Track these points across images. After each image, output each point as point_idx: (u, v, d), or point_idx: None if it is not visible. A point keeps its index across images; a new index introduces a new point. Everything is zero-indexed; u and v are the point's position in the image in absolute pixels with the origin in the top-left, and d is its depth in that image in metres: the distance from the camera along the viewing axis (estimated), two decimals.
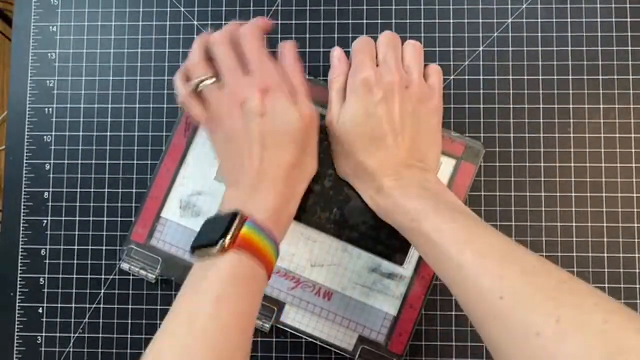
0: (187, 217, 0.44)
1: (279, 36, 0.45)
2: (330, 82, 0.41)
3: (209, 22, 0.46)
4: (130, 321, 0.44)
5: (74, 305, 0.45)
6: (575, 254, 0.43)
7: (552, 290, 0.28)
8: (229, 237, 0.32)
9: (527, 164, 0.44)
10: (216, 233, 0.33)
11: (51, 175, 0.46)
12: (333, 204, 0.42)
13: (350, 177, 0.41)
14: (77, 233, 0.45)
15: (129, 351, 0.44)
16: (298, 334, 0.43)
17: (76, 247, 0.45)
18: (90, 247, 0.45)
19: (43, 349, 0.44)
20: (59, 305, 0.45)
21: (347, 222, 0.42)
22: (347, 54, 0.41)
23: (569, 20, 0.44)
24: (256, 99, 0.36)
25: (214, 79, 0.37)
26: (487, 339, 0.30)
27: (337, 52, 0.41)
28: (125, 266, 0.43)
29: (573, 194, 0.43)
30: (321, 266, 0.43)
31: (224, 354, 0.30)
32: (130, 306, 0.44)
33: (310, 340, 0.43)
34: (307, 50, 0.45)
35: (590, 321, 0.26)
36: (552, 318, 0.27)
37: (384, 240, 0.42)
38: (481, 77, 0.44)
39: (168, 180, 0.44)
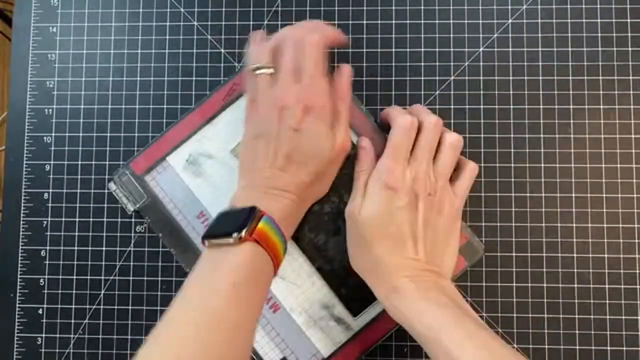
0: (188, 172, 0.44)
1: None
2: (356, 173, 0.41)
3: (209, 23, 0.46)
4: (130, 322, 0.44)
5: (73, 306, 0.45)
6: (575, 255, 0.43)
7: None
8: (246, 228, 0.33)
9: (527, 165, 0.44)
10: (233, 224, 0.34)
11: (51, 176, 0.46)
12: (322, 229, 0.42)
13: (365, 272, 0.40)
14: (76, 234, 0.45)
15: (128, 352, 0.44)
16: None
17: (76, 248, 0.45)
18: (90, 248, 0.45)
19: (43, 350, 0.44)
20: (59, 306, 0.45)
21: (326, 251, 0.42)
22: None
23: (569, 20, 0.44)
24: (297, 113, 0.37)
25: (269, 70, 0.38)
26: None
27: (364, 143, 0.41)
28: (112, 186, 0.44)
29: (573, 195, 0.43)
30: (282, 279, 0.43)
31: (236, 337, 0.31)
32: (130, 307, 0.44)
33: None
34: None
35: None
36: None
37: (351, 286, 0.42)
38: (481, 78, 0.44)
39: (189, 130, 0.44)
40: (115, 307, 0.44)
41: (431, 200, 0.38)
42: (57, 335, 0.44)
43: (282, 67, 0.38)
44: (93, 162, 0.45)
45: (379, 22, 0.45)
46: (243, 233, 0.33)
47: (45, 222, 0.45)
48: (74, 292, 0.45)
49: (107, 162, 0.45)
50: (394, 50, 0.45)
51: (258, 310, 0.34)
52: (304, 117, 0.37)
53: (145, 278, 0.44)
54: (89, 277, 0.45)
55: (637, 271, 0.43)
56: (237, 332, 0.32)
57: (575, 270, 0.43)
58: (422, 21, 0.45)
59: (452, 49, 0.45)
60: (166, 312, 0.32)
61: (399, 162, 0.38)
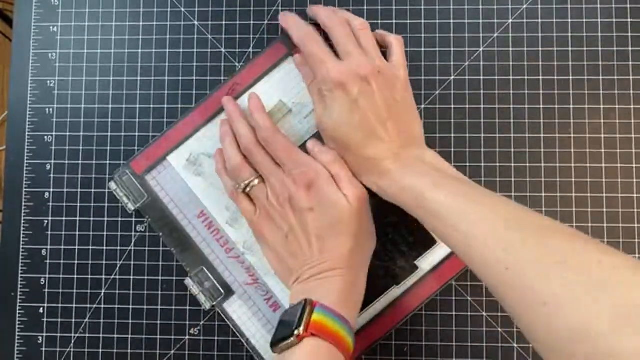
0: (189, 172, 0.44)
1: (280, 36, 0.45)
2: (307, 86, 0.42)
3: (209, 23, 0.46)
4: (130, 321, 0.44)
5: (74, 305, 0.45)
6: None
7: (556, 253, 0.28)
8: (302, 325, 0.33)
9: (527, 164, 0.44)
10: (291, 324, 0.34)
11: (52, 176, 0.46)
12: None
13: (355, 170, 0.40)
14: (77, 233, 0.45)
15: (129, 351, 0.44)
16: (233, 329, 0.43)
17: (77, 247, 0.45)
18: (90, 247, 0.45)
19: (43, 349, 0.44)
20: (60, 305, 0.45)
21: None
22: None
23: (569, 20, 0.44)
24: (302, 195, 0.38)
25: (258, 180, 0.40)
26: (502, 305, 0.30)
27: (297, 59, 0.43)
28: (112, 186, 0.44)
29: (573, 194, 0.43)
30: None
31: None
32: (130, 306, 0.44)
33: (239, 339, 0.43)
34: None
35: (586, 260, 0.27)
36: (555, 258, 0.27)
37: None
38: (481, 77, 0.44)
39: (189, 130, 0.44)
40: (116, 306, 0.44)
41: (381, 78, 0.39)
42: (58, 335, 0.44)
43: (265, 172, 0.40)
44: (94, 162, 0.45)
45: (379, 21, 0.45)
46: (300, 330, 0.33)
47: (45, 222, 0.45)
48: (74, 291, 0.45)
49: (107, 162, 0.45)
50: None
51: None
52: (309, 194, 0.38)
53: (145, 277, 0.44)
54: (89, 276, 0.45)
55: None
56: None
57: None
58: (423, 21, 0.45)
59: (452, 49, 0.45)
60: None
61: (329, 60, 0.39)
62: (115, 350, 0.44)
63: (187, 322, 0.44)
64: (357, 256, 0.39)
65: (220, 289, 0.43)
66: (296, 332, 0.33)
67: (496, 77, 0.44)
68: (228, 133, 0.42)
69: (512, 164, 0.44)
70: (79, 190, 0.45)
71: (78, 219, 0.45)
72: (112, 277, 0.45)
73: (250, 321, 0.43)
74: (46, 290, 0.45)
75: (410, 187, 0.36)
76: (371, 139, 0.38)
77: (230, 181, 0.42)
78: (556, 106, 0.44)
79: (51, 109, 0.46)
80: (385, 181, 0.38)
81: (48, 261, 0.45)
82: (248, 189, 0.40)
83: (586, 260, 0.27)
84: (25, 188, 0.46)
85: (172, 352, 0.44)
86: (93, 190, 0.45)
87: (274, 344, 0.35)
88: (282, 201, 0.39)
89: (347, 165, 0.40)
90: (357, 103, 0.38)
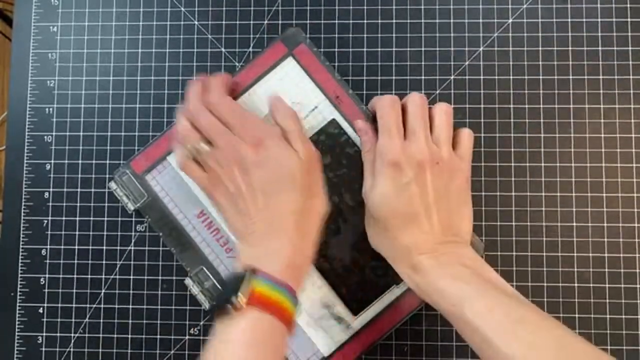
0: None
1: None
2: (363, 155, 0.41)
3: (209, 22, 0.46)
4: (130, 321, 0.44)
5: (74, 305, 0.45)
6: (575, 254, 0.43)
7: None
8: (242, 295, 0.32)
9: (528, 164, 0.44)
10: (231, 292, 0.33)
11: (51, 175, 0.46)
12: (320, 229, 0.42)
13: (384, 252, 0.40)
14: (77, 233, 0.45)
15: (129, 351, 0.44)
16: None
17: (76, 247, 0.45)
18: (90, 247, 0.45)
19: (43, 349, 0.44)
20: (59, 305, 0.45)
21: (326, 251, 0.42)
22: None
23: (569, 20, 0.44)
24: (250, 152, 0.37)
25: (206, 144, 0.38)
26: None
27: (360, 125, 0.41)
28: (112, 185, 0.44)
29: (573, 194, 0.43)
30: None
31: None
32: (130, 306, 0.44)
33: None
34: None
35: None
36: None
37: (351, 285, 0.42)
38: (481, 77, 0.44)
39: None
40: (116, 306, 0.44)
41: (440, 168, 0.38)
42: (58, 334, 0.44)
43: (212, 134, 0.38)
44: (93, 161, 0.45)
45: (379, 21, 0.45)
46: (241, 302, 0.32)
47: (45, 221, 0.45)
48: (74, 291, 0.45)
49: (107, 161, 0.45)
50: (394, 49, 0.45)
51: None
52: (258, 151, 0.37)
53: (145, 277, 0.44)
54: (89, 276, 0.45)
55: (637, 270, 0.43)
56: None
57: (576, 270, 0.43)
58: (423, 20, 0.45)
59: (452, 48, 0.45)
60: None
61: (393, 137, 0.38)
62: (115, 350, 0.44)
63: (187, 322, 0.44)
64: (305, 215, 0.37)
65: (220, 288, 0.43)
66: (236, 302, 0.32)
67: (496, 77, 0.44)
68: (183, 106, 0.41)
69: (512, 164, 0.44)
70: (79, 190, 0.45)
71: (78, 218, 0.45)
72: (112, 277, 0.45)
73: None
74: (46, 290, 0.45)
75: (446, 291, 0.35)
76: (411, 226, 0.37)
77: (180, 151, 0.40)
78: (556, 106, 0.44)
79: (51, 109, 0.46)
80: (419, 277, 0.37)
81: (48, 261, 0.45)
82: (197, 154, 0.39)
83: None
84: (25, 188, 0.46)
85: (172, 352, 0.44)
86: (93, 190, 0.45)
87: (214, 310, 0.34)
88: (230, 162, 0.37)
89: (383, 249, 0.40)
90: (407, 187, 0.37)
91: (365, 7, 0.45)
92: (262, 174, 0.37)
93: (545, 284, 0.43)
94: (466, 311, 0.33)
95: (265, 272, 0.34)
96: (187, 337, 0.44)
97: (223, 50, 0.45)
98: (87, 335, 0.44)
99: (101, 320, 0.44)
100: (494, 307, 0.33)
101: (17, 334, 0.45)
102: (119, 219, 0.45)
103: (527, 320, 0.32)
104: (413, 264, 0.37)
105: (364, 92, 0.45)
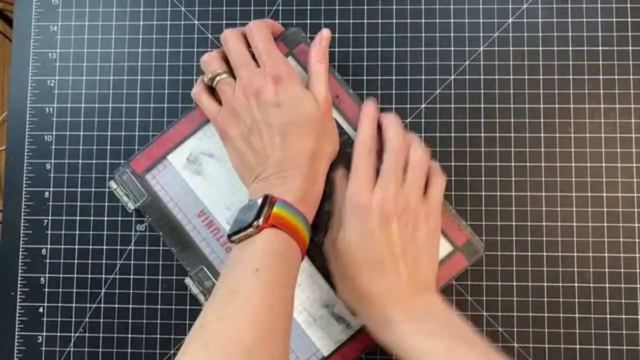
0: (189, 171, 0.44)
1: None
2: (334, 201, 0.41)
3: (209, 22, 0.46)
4: (130, 321, 0.44)
5: (74, 305, 0.45)
6: (575, 254, 0.43)
7: None
8: (262, 216, 0.34)
9: (528, 164, 0.44)
10: (250, 216, 0.34)
11: (52, 175, 0.46)
12: (322, 228, 0.42)
13: (352, 304, 0.40)
14: (77, 232, 0.45)
15: (129, 350, 0.44)
16: None
17: (76, 247, 0.45)
18: (90, 247, 0.45)
19: (43, 348, 0.44)
20: (59, 305, 0.45)
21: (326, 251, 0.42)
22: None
23: (570, 20, 0.44)
24: (270, 88, 0.37)
25: (227, 73, 0.39)
26: None
27: (337, 174, 0.41)
28: (112, 185, 0.44)
29: (573, 194, 0.43)
30: None
31: (265, 321, 0.31)
32: (130, 305, 0.44)
33: None
34: None
35: None
36: None
37: None
38: (481, 77, 0.44)
39: (189, 129, 0.44)
40: (116, 305, 0.44)
41: (406, 216, 0.38)
42: (58, 334, 0.44)
43: (236, 62, 0.39)
44: (94, 161, 0.45)
45: (380, 21, 0.45)
46: (260, 221, 0.34)
47: (45, 221, 0.45)
48: (74, 290, 0.45)
49: (107, 161, 0.45)
50: (394, 49, 0.45)
51: (287, 292, 0.34)
52: (278, 89, 0.37)
53: (145, 277, 0.44)
54: (89, 276, 0.45)
55: (638, 270, 0.43)
56: (264, 315, 0.31)
57: (576, 269, 0.43)
58: (423, 20, 0.45)
59: (452, 48, 0.45)
60: (199, 316, 0.33)
61: (362, 184, 0.38)
62: (115, 350, 0.44)
63: (187, 322, 0.44)
64: (318, 157, 0.38)
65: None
66: (255, 223, 0.34)
67: (496, 77, 0.44)
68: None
69: (512, 164, 0.44)
70: (79, 189, 0.45)
71: (78, 218, 0.45)
72: (112, 276, 0.45)
73: None
74: (46, 289, 0.45)
75: (417, 350, 0.35)
76: (378, 275, 0.37)
77: (200, 81, 0.41)
78: (556, 106, 0.44)
79: (51, 109, 0.46)
80: (389, 331, 0.36)
81: (48, 260, 0.45)
82: (215, 82, 0.39)
83: None
84: (25, 187, 0.46)
85: (172, 351, 0.44)
86: (93, 190, 0.45)
87: (233, 234, 0.35)
88: (249, 94, 0.38)
89: (351, 301, 0.39)
90: (372, 235, 0.37)
91: (365, 7, 0.45)
92: (281, 113, 0.37)
93: (545, 284, 0.43)
94: None
95: (283, 199, 0.35)
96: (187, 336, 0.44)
97: None
98: (87, 334, 0.44)
99: (101, 320, 0.44)
100: None
101: (17, 333, 0.45)
102: (119, 218, 0.45)
103: None
104: (384, 317, 0.37)
105: (364, 92, 0.45)
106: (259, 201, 0.35)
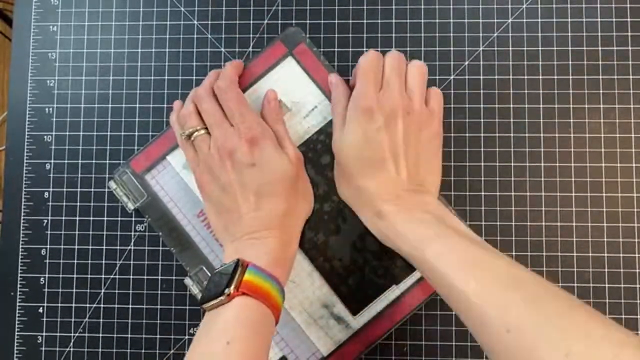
0: (189, 171, 0.44)
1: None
2: (332, 106, 0.42)
3: (209, 22, 0.46)
4: (130, 321, 0.44)
5: (74, 305, 0.45)
6: (575, 254, 0.43)
7: (559, 318, 0.28)
8: (232, 284, 0.34)
9: (527, 164, 0.44)
10: (221, 284, 0.34)
11: (51, 175, 0.46)
12: (321, 228, 0.42)
13: (350, 200, 0.40)
14: (77, 232, 0.45)
15: (129, 350, 0.44)
16: None
17: (76, 247, 0.45)
18: (90, 247, 0.45)
19: (43, 349, 0.44)
20: (59, 305, 0.45)
21: (325, 250, 0.42)
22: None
23: (569, 20, 0.44)
24: (244, 149, 0.38)
25: (204, 130, 0.40)
26: None
27: (333, 79, 0.42)
28: (112, 185, 0.44)
29: (573, 194, 0.43)
30: None
31: None
32: (130, 306, 0.44)
33: None
34: None
35: (600, 356, 0.25)
36: (561, 352, 0.26)
37: (351, 284, 0.42)
38: (481, 77, 0.44)
39: None
40: (116, 305, 0.44)
41: (410, 118, 0.38)
42: (58, 334, 0.44)
43: (210, 121, 0.39)
44: (93, 161, 0.45)
45: (379, 21, 0.45)
46: (231, 289, 0.34)
47: (45, 221, 0.45)
48: (74, 290, 0.45)
49: (107, 161, 0.45)
50: (394, 49, 0.45)
51: None
52: (252, 149, 0.38)
53: (145, 277, 0.44)
54: (89, 276, 0.45)
55: (637, 270, 0.43)
56: None
57: (575, 269, 0.43)
58: (422, 20, 0.45)
59: (452, 48, 0.45)
60: None
61: (369, 85, 0.38)
62: (114, 350, 0.44)
63: (187, 322, 0.44)
64: (292, 217, 0.39)
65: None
66: (227, 291, 0.34)
67: (496, 77, 0.44)
68: (194, 89, 0.42)
69: (512, 164, 0.44)
70: (79, 189, 0.45)
71: (78, 218, 0.45)
72: (112, 276, 0.45)
73: None
74: (46, 289, 0.45)
75: (408, 235, 0.35)
76: (378, 172, 0.38)
77: (178, 128, 0.41)
78: (556, 106, 0.44)
79: (51, 109, 0.46)
80: (383, 223, 0.37)
81: (47, 261, 0.45)
82: (192, 137, 0.40)
83: (591, 332, 0.26)
84: (25, 188, 0.46)
85: (172, 351, 0.44)
86: (93, 190, 0.45)
87: (204, 301, 0.35)
88: (222, 154, 0.38)
89: (349, 197, 0.40)
90: (377, 133, 0.37)
91: (365, 7, 0.45)
92: (255, 174, 0.38)
93: None
94: (427, 253, 0.33)
95: (254, 264, 0.35)
96: (186, 336, 0.44)
97: (223, 50, 0.45)
98: (86, 334, 0.44)
99: (101, 320, 0.44)
100: (453, 248, 0.33)
101: (17, 333, 0.45)
102: (119, 218, 0.45)
103: (483, 260, 0.32)
104: (377, 210, 0.37)
105: None
106: (231, 267, 0.35)
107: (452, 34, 0.45)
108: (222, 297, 0.34)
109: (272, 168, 0.38)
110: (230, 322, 0.33)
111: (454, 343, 0.43)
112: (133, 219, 0.45)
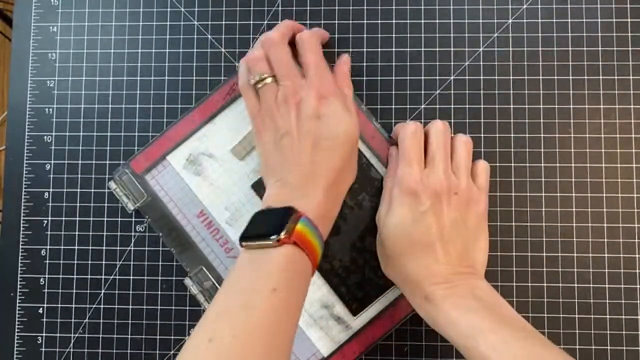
0: (188, 171, 0.44)
1: None
2: (385, 179, 0.42)
3: (209, 22, 0.46)
4: (130, 321, 0.44)
5: (74, 305, 0.45)
6: (575, 254, 0.43)
7: None
8: (284, 230, 0.33)
9: (527, 164, 0.44)
10: (271, 226, 0.33)
11: (51, 176, 0.46)
12: None
13: (397, 281, 0.40)
14: (77, 233, 0.45)
15: (129, 351, 0.44)
16: None
17: (76, 247, 0.45)
18: (90, 247, 0.45)
19: (43, 349, 0.44)
20: (59, 305, 0.45)
21: (325, 250, 0.42)
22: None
23: (569, 20, 0.44)
24: (313, 100, 0.37)
25: (271, 79, 0.39)
26: None
27: (393, 152, 0.42)
28: (112, 185, 0.44)
29: (573, 194, 0.43)
30: None
31: (280, 344, 0.31)
32: (130, 306, 0.44)
33: None
34: None
35: None
36: None
37: (351, 285, 0.42)
38: (481, 77, 0.44)
39: (189, 129, 0.44)
40: (116, 306, 0.44)
41: (457, 198, 0.38)
42: (58, 335, 0.44)
43: (282, 70, 0.38)
44: (93, 162, 0.45)
45: (379, 21, 0.45)
46: (282, 235, 0.33)
47: (45, 222, 0.45)
48: (74, 291, 0.45)
49: (107, 162, 0.45)
50: (394, 49, 0.45)
51: (298, 313, 0.34)
52: (320, 103, 0.37)
53: (145, 277, 0.44)
54: (89, 277, 0.45)
55: (637, 271, 0.43)
56: (277, 336, 0.31)
57: (575, 270, 0.43)
58: (423, 21, 0.45)
59: (452, 49, 0.45)
60: (204, 322, 0.31)
61: (413, 165, 0.38)
62: (114, 351, 0.44)
63: (187, 322, 0.44)
64: (341, 178, 0.38)
65: (216, 284, 0.43)
66: (276, 236, 0.33)
67: (496, 77, 0.44)
68: (265, 34, 0.40)
69: (512, 164, 0.44)
70: (79, 190, 0.45)
71: (77, 219, 0.45)
72: (112, 277, 0.45)
73: None
74: (45, 290, 0.45)
75: (460, 323, 0.34)
76: (426, 256, 0.37)
77: (245, 70, 0.40)
78: (556, 106, 0.44)
79: (51, 109, 0.46)
80: (432, 307, 0.36)
81: (47, 261, 0.45)
82: (259, 84, 0.39)
83: None
84: (25, 188, 0.46)
85: (172, 352, 0.44)
86: (93, 190, 0.45)
87: (247, 238, 0.34)
88: (290, 103, 0.38)
89: (397, 278, 0.39)
90: (424, 216, 0.37)
91: (365, 7, 0.45)
92: (319, 127, 0.37)
93: (545, 284, 0.43)
94: (481, 344, 0.33)
95: (307, 216, 0.34)
96: (187, 337, 0.44)
97: (223, 50, 0.45)
98: (86, 335, 0.44)
99: (101, 321, 0.44)
100: (510, 341, 0.33)
101: (17, 334, 0.45)
102: (119, 219, 0.45)
103: (540, 353, 0.32)
104: (426, 294, 0.36)
105: (364, 92, 0.45)
106: (282, 212, 0.34)
107: (452, 35, 0.45)
108: (270, 241, 0.33)
109: (336, 124, 0.37)
110: (277, 269, 0.32)
111: None
112: (133, 219, 0.45)
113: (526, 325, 0.35)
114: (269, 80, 0.39)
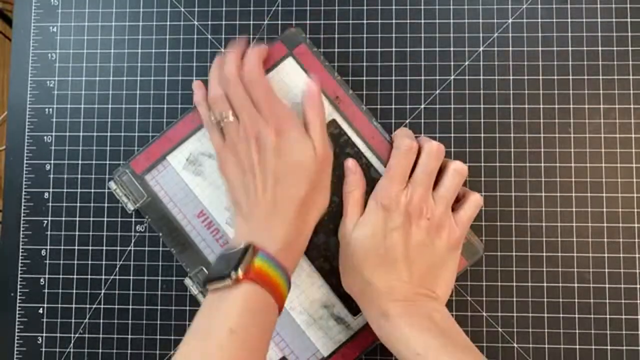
0: (189, 171, 0.44)
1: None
2: (345, 194, 0.41)
3: (209, 22, 0.46)
4: (130, 321, 0.44)
5: (74, 306, 0.45)
6: (575, 254, 0.43)
7: None
8: (241, 268, 0.33)
9: (527, 164, 0.44)
10: (229, 265, 0.33)
11: (51, 176, 0.46)
12: (321, 228, 0.42)
13: (355, 294, 0.40)
14: (77, 233, 0.45)
15: (129, 351, 0.44)
16: None
17: (76, 247, 0.45)
18: (90, 248, 0.45)
19: (43, 349, 0.44)
20: (59, 306, 0.45)
21: (325, 251, 0.42)
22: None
23: (569, 20, 0.44)
24: (271, 135, 0.37)
25: (233, 117, 0.39)
26: None
27: (350, 164, 0.42)
28: (112, 185, 0.44)
29: (573, 194, 0.43)
30: None
31: None
32: (130, 306, 0.44)
33: None
34: None
35: None
36: None
37: None
38: (481, 77, 0.44)
39: (189, 130, 0.44)
40: (116, 306, 0.44)
41: (428, 223, 0.38)
42: (58, 335, 0.44)
43: (239, 108, 0.39)
44: (93, 162, 0.45)
45: (379, 21, 0.45)
46: (239, 273, 0.33)
47: (45, 222, 0.45)
48: (74, 291, 0.45)
49: (107, 162, 0.45)
50: (394, 49, 0.45)
51: (262, 352, 0.33)
52: (278, 138, 0.38)
53: (145, 277, 0.44)
54: (89, 277, 0.45)
55: (637, 270, 0.43)
56: None
57: (575, 270, 0.43)
58: (422, 21, 0.45)
59: (452, 49, 0.45)
60: (175, 352, 0.31)
61: (394, 182, 0.39)
62: (114, 351, 0.44)
63: (187, 322, 0.44)
64: (308, 207, 0.38)
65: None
66: (234, 274, 0.33)
67: (496, 77, 0.44)
68: (218, 65, 0.41)
69: (512, 164, 0.44)
70: (79, 190, 0.45)
71: (78, 219, 0.45)
72: (112, 277, 0.45)
73: None
74: (46, 290, 0.45)
75: (411, 339, 0.35)
76: (390, 273, 0.37)
77: (206, 111, 0.41)
78: (556, 106, 0.44)
79: (51, 109, 0.46)
80: (387, 323, 0.36)
81: (47, 261, 0.45)
82: (222, 123, 0.40)
83: None
84: (25, 188, 0.46)
85: (172, 352, 0.44)
86: (93, 190, 0.45)
87: (209, 280, 0.34)
88: (250, 138, 0.38)
89: (355, 291, 0.39)
90: (392, 233, 0.37)
91: (365, 7, 0.45)
92: (278, 160, 0.37)
93: (545, 284, 0.43)
94: None
95: (266, 250, 0.34)
96: None
97: (223, 51, 0.45)
98: (87, 335, 0.44)
99: (101, 321, 0.44)
100: None
101: (17, 334, 0.45)
102: (119, 219, 0.45)
103: None
104: (383, 310, 0.37)
105: (364, 92, 0.45)
106: (240, 250, 0.34)
107: (452, 35, 0.45)
108: (228, 281, 0.33)
109: (297, 154, 0.38)
110: (235, 310, 0.32)
111: None
112: (133, 219, 0.45)
113: (480, 355, 0.35)
114: (231, 118, 0.39)
